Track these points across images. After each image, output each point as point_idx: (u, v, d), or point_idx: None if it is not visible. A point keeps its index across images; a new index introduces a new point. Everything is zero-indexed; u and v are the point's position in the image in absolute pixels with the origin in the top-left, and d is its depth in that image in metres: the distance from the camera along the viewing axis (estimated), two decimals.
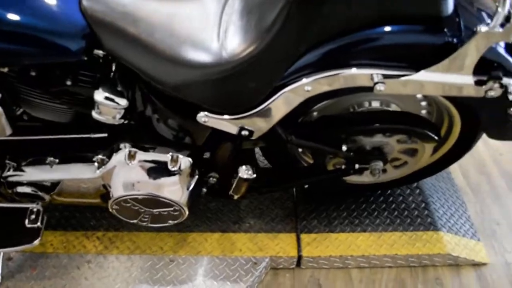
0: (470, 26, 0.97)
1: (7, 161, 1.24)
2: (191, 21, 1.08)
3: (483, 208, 1.71)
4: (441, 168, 1.48)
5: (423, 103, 1.30)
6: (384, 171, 1.45)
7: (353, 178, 1.47)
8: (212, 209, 1.61)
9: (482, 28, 0.91)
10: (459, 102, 1.16)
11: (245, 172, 1.21)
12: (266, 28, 0.97)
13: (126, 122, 1.15)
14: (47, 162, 1.23)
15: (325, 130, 1.24)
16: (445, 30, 0.99)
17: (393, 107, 1.30)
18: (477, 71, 1.01)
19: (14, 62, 1.01)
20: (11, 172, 1.24)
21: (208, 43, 1.04)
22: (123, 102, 1.09)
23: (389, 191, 1.66)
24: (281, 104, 1.07)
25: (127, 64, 1.05)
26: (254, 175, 1.22)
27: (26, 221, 1.27)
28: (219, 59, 1.01)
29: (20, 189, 1.28)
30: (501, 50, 1.03)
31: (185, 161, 1.20)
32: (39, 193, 1.30)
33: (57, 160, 1.24)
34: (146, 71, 1.06)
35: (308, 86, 1.03)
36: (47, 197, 1.32)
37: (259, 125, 1.13)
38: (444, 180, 1.75)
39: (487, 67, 1.01)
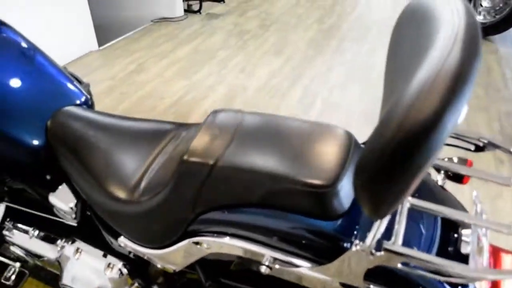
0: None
1: (6, 222, 1.38)
2: (128, 152, 1.10)
3: None
4: None
5: None
6: None
7: None
8: None
9: (354, 247, 0.75)
10: None
11: None
12: (166, 181, 0.97)
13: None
14: (29, 232, 1.34)
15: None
16: (337, 229, 0.84)
17: None
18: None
19: None
20: (6, 232, 1.37)
21: (129, 178, 1.05)
22: (73, 204, 1.16)
23: None
24: (185, 251, 1.02)
25: (73, 182, 1.14)
26: None
27: (3, 276, 1.38)
28: (131, 197, 1.02)
29: (12, 248, 1.41)
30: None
31: (122, 270, 1.21)
32: (26, 256, 1.40)
33: (36, 233, 1.33)
34: (82, 190, 1.12)
35: (207, 244, 0.96)
36: (31, 262, 1.42)
37: (171, 264, 1.08)
38: None
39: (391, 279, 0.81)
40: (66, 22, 3.69)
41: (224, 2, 5.18)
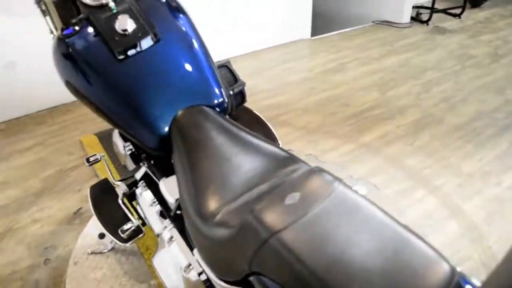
0: None
1: (140, 183, 1.52)
2: (233, 172, 1.05)
3: None
4: None
5: None
6: None
7: None
8: None
9: None
10: None
11: None
12: (239, 222, 0.89)
13: None
14: (151, 201, 1.43)
15: None
16: None
17: None
18: None
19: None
20: (138, 192, 1.52)
21: (219, 199, 1.01)
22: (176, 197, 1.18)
23: None
24: None
25: (176, 176, 1.15)
26: None
27: (121, 228, 1.48)
28: (210, 217, 0.98)
29: (138, 207, 1.56)
30: None
31: (200, 276, 1.20)
32: (145, 219, 1.52)
33: (155, 204, 1.42)
34: (179, 188, 1.13)
35: None
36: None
37: None
38: None
39: None
40: (288, 7, 3.83)
41: (460, 18, 4.64)
